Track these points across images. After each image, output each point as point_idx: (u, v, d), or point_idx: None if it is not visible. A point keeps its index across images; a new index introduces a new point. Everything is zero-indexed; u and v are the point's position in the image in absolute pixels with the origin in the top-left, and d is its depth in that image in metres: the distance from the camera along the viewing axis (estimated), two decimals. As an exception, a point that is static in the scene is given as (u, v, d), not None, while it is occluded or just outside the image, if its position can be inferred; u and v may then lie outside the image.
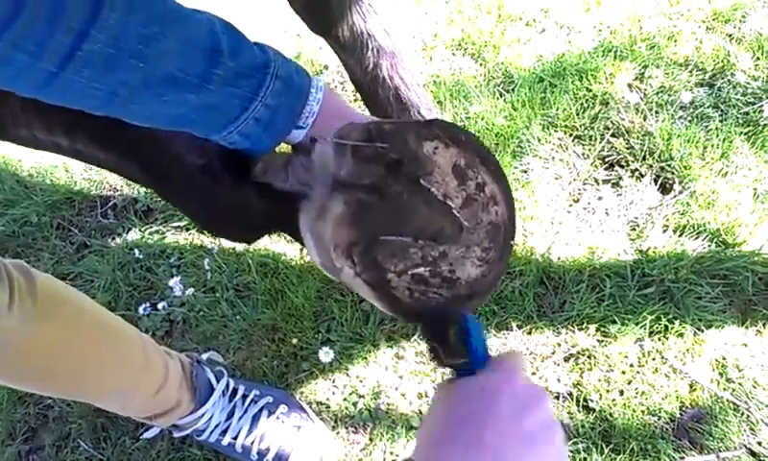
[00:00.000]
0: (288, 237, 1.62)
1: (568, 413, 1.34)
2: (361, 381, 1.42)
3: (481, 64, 1.88)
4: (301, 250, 1.61)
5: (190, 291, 1.58)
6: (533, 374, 1.39)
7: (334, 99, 0.69)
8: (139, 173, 0.78)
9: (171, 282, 1.59)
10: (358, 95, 1.85)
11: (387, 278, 0.62)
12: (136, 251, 1.68)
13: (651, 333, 1.39)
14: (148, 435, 1.38)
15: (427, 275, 0.63)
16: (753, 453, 1.26)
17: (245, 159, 0.73)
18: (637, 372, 1.36)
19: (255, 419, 1.35)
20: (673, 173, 1.59)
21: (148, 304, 1.58)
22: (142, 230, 1.71)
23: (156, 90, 0.57)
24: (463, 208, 0.65)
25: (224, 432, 1.34)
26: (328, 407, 1.40)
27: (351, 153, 0.62)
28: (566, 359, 1.40)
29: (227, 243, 1.65)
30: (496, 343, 1.42)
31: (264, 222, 0.78)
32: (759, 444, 1.27)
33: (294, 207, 0.68)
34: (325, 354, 1.41)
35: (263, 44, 0.64)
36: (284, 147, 0.71)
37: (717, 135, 1.61)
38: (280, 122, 0.65)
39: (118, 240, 1.72)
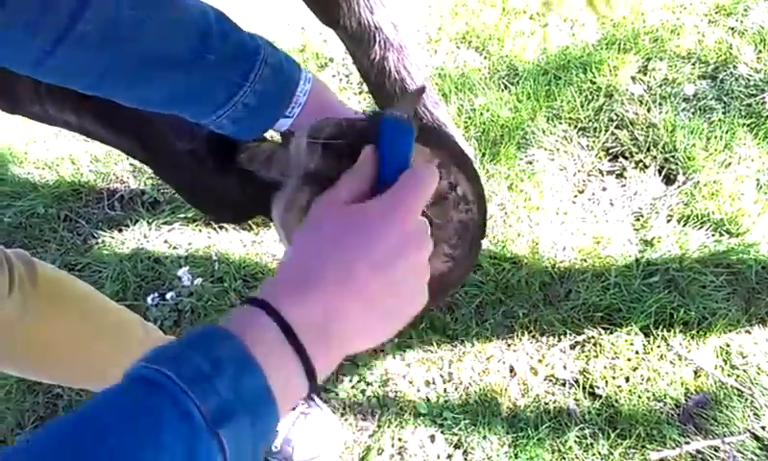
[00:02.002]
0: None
1: (575, 399, 1.35)
2: (369, 369, 1.43)
3: (485, 57, 1.89)
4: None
5: (198, 281, 1.59)
6: (539, 361, 1.40)
7: (323, 92, 0.70)
8: (137, 151, 0.82)
9: (179, 272, 1.60)
10: (364, 86, 1.87)
11: None
12: (144, 242, 1.69)
13: (656, 321, 1.40)
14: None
15: None
16: (756, 438, 1.28)
17: (233, 145, 0.74)
18: (643, 359, 1.38)
19: (263, 406, 1.36)
20: (677, 164, 1.61)
21: (156, 295, 1.59)
22: (150, 221, 1.72)
23: (147, 72, 0.58)
24: (432, 206, 0.66)
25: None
26: (337, 395, 1.42)
27: (322, 147, 0.63)
28: (572, 347, 1.41)
29: (234, 233, 1.67)
30: (504, 331, 1.44)
31: (247, 207, 0.80)
32: (763, 428, 1.28)
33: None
34: (334, 342, 1.42)
35: (253, 33, 0.65)
36: (274, 135, 0.73)
37: (720, 127, 1.63)
38: (268, 109, 0.66)
39: (126, 232, 1.73)
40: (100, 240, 1.72)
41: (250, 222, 1.66)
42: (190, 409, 0.37)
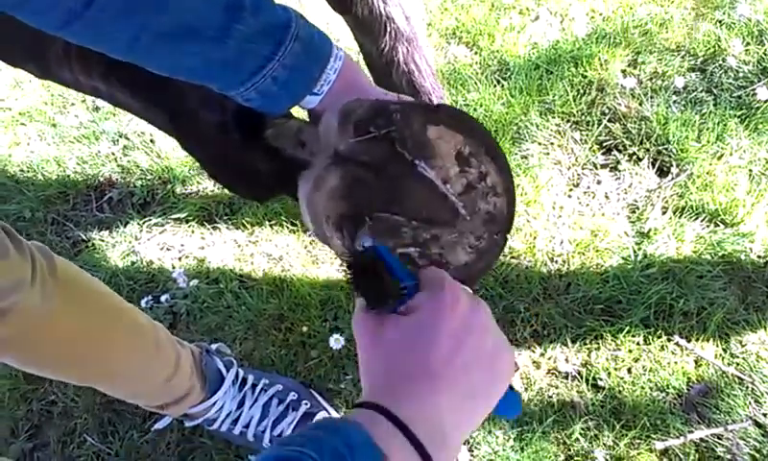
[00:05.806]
0: (291, 225, 1.61)
1: (578, 392, 1.36)
2: (371, 368, 1.42)
3: (476, 53, 1.89)
4: (307, 237, 1.60)
5: (194, 283, 1.56)
6: (541, 355, 1.40)
7: (353, 71, 0.69)
8: (164, 121, 0.81)
9: (174, 274, 1.57)
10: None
11: None
12: (136, 244, 1.66)
13: (656, 312, 1.41)
14: (159, 426, 1.36)
15: (416, 255, 0.65)
16: (759, 425, 1.29)
17: (260, 119, 0.73)
18: (644, 350, 1.39)
19: (266, 407, 1.35)
20: (670, 156, 1.62)
21: (150, 298, 1.56)
22: (140, 223, 1.69)
23: (176, 40, 0.58)
24: (461, 195, 0.66)
25: (235, 421, 1.33)
26: (339, 394, 1.40)
27: (354, 129, 0.63)
28: (574, 340, 1.41)
29: (228, 233, 1.64)
30: (505, 326, 1.44)
31: (271, 184, 0.79)
32: (765, 415, 1.30)
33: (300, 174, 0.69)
34: (336, 341, 1.41)
35: (286, 6, 0.64)
36: (301, 113, 0.72)
37: (712, 119, 1.65)
38: (297, 84, 0.65)
39: (116, 234, 1.69)
40: (90, 243, 1.69)
41: (244, 221, 1.64)
42: None
